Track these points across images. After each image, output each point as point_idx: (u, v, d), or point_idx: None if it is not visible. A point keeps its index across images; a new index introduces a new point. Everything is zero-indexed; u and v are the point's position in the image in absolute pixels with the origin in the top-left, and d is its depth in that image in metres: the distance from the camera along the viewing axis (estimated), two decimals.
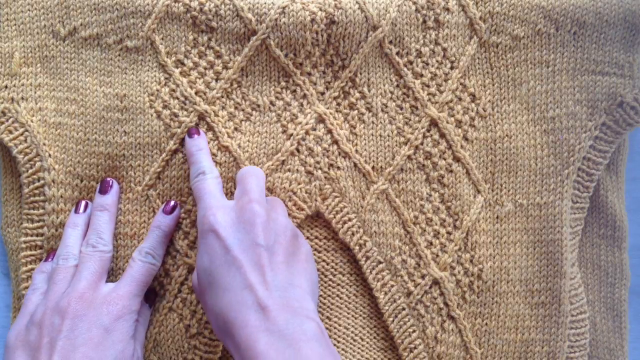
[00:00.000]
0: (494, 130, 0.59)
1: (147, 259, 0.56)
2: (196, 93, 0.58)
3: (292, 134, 0.58)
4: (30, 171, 0.59)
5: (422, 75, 0.59)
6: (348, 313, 0.59)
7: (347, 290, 0.60)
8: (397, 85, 0.59)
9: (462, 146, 0.59)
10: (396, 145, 0.59)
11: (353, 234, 0.58)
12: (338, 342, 0.59)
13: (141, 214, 0.59)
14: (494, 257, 0.59)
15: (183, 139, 0.58)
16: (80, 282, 0.54)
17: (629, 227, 0.62)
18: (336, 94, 0.59)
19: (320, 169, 0.59)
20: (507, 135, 0.59)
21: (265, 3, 0.57)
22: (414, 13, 0.58)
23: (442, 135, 0.59)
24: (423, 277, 0.58)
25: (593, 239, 0.62)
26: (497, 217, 0.59)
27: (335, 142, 0.59)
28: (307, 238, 0.59)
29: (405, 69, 0.59)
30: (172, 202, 0.58)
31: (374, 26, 0.57)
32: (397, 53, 0.59)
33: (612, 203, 0.61)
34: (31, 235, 0.59)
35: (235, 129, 0.59)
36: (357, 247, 0.58)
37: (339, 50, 0.58)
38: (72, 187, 0.59)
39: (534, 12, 0.58)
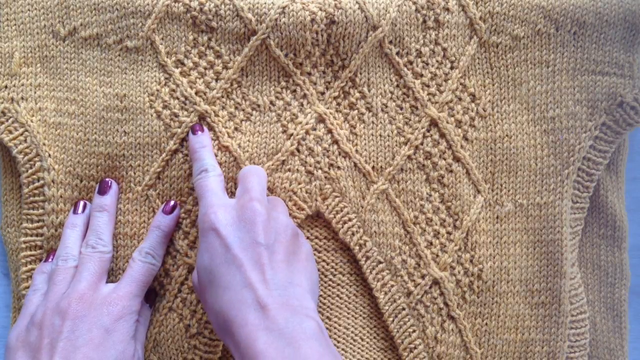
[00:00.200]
0: (494, 130, 0.59)
1: (147, 259, 0.56)
2: (196, 93, 0.58)
3: (292, 134, 0.58)
4: (30, 171, 0.58)
5: (422, 75, 0.59)
6: (348, 313, 0.59)
7: (347, 290, 0.60)
8: (397, 85, 0.59)
9: (462, 146, 0.59)
10: (396, 145, 0.59)
11: (353, 234, 0.58)
12: (338, 342, 0.59)
13: (141, 214, 0.59)
14: (494, 257, 0.59)
15: (183, 139, 0.58)
16: (80, 283, 0.54)
17: (629, 227, 0.62)
18: (336, 93, 0.59)
19: (321, 168, 0.59)
20: (507, 135, 0.59)
21: (265, 3, 0.57)
22: (414, 13, 0.58)
23: (442, 135, 0.59)
24: (423, 277, 0.58)
25: (593, 239, 0.62)
26: (497, 217, 0.59)
27: (336, 142, 0.59)
28: (307, 238, 0.59)
29: (405, 69, 0.59)
30: (172, 202, 0.58)
31: (374, 26, 0.57)
32: (397, 53, 0.59)
33: (612, 203, 0.61)
34: (31, 236, 0.59)
35: (236, 128, 0.59)
36: (357, 247, 0.58)
37: (339, 50, 0.58)
38: (72, 187, 0.59)
39: (534, 12, 0.58)
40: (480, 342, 0.59)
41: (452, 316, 0.58)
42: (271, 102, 0.59)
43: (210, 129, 0.58)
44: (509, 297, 0.59)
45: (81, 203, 0.58)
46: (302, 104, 0.59)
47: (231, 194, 0.58)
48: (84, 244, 0.57)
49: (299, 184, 0.58)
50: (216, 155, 0.58)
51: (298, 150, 0.59)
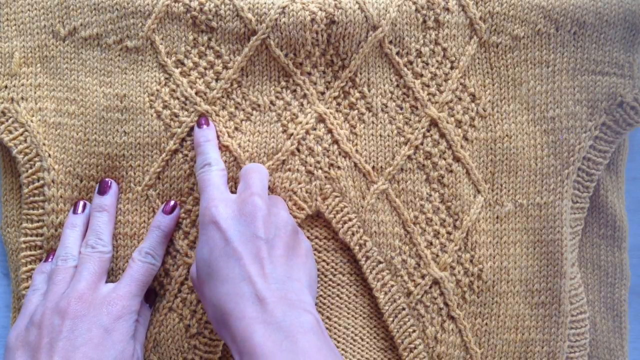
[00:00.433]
0: (494, 130, 0.59)
1: (147, 259, 0.56)
2: (196, 93, 0.58)
3: (292, 134, 0.58)
4: (30, 171, 0.58)
5: (422, 75, 0.59)
6: (348, 313, 0.59)
7: (347, 290, 0.60)
8: (397, 85, 0.59)
9: (462, 146, 0.59)
10: (396, 145, 0.59)
11: (353, 234, 0.58)
12: (338, 342, 0.59)
13: (141, 214, 0.59)
14: (494, 257, 0.59)
15: (183, 139, 0.58)
16: (80, 282, 0.54)
17: (629, 227, 0.62)
18: (336, 93, 0.59)
19: (321, 168, 0.59)
20: (507, 135, 0.59)
21: (265, 3, 0.57)
22: (414, 13, 0.58)
23: (442, 135, 0.59)
24: (423, 277, 0.58)
25: (593, 239, 0.62)
26: (497, 217, 0.59)
27: (336, 141, 0.59)
28: (307, 238, 0.59)
29: (405, 69, 0.59)
30: (172, 202, 0.58)
31: (374, 26, 0.57)
32: (397, 53, 0.59)
33: (612, 203, 0.61)
34: (31, 236, 0.59)
35: (236, 128, 0.59)
36: (357, 247, 0.58)
37: (339, 50, 0.58)
38: (72, 187, 0.59)
39: (534, 12, 0.58)
40: (480, 342, 0.59)
41: (452, 316, 0.58)
42: (271, 102, 0.59)
43: None
44: (509, 297, 0.59)
45: (81, 203, 0.58)
46: (302, 104, 0.59)
47: (232, 193, 0.58)
48: (84, 244, 0.57)
49: (299, 183, 0.58)
50: None
51: (298, 150, 0.59)
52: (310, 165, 0.59)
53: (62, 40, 0.59)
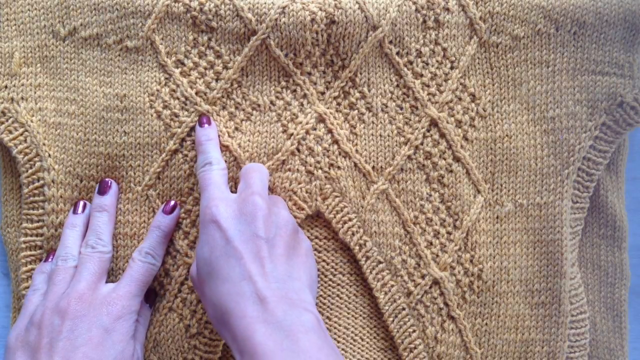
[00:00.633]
0: (494, 130, 0.59)
1: (147, 259, 0.56)
2: (196, 93, 0.58)
3: (292, 134, 0.58)
4: (30, 171, 0.58)
5: (422, 75, 0.59)
6: (348, 313, 0.59)
7: (347, 290, 0.60)
8: (397, 85, 0.59)
9: (462, 146, 0.59)
10: (396, 145, 0.59)
11: (353, 234, 0.58)
12: (338, 342, 0.59)
13: (141, 214, 0.59)
14: (494, 257, 0.59)
15: (183, 139, 0.58)
16: (80, 282, 0.54)
17: (629, 227, 0.62)
18: (336, 93, 0.59)
19: (321, 168, 0.59)
20: (507, 135, 0.59)
21: (265, 3, 0.57)
22: (414, 13, 0.58)
23: (442, 135, 0.59)
24: (423, 277, 0.58)
25: (593, 239, 0.62)
26: (497, 217, 0.59)
27: (336, 141, 0.59)
28: (307, 238, 0.59)
29: (405, 69, 0.59)
30: (172, 202, 0.58)
31: (374, 26, 0.57)
32: (397, 53, 0.59)
33: (612, 203, 0.61)
34: (31, 236, 0.59)
35: (236, 128, 0.59)
36: (357, 247, 0.58)
37: (339, 50, 0.58)
38: (72, 187, 0.59)
39: (534, 12, 0.58)
40: (480, 342, 0.59)
41: (452, 316, 0.58)
42: (271, 102, 0.59)
43: None
44: (509, 297, 0.59)
45: (81, 203, 0.58)
46: (302, 104, 0.59)
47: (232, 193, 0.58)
48: (84, 244, 0.57)
49: (299, 183, 0.58)
50: None
51: (298, 150, 0.59)
52: (310, 165, 0.59)
53: (62, 40, 0.59)
